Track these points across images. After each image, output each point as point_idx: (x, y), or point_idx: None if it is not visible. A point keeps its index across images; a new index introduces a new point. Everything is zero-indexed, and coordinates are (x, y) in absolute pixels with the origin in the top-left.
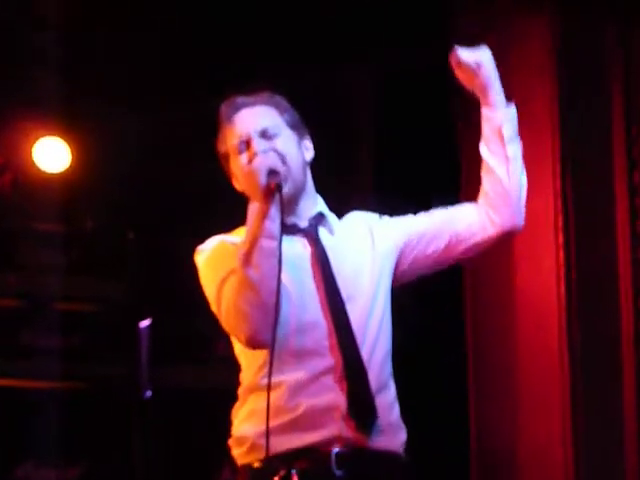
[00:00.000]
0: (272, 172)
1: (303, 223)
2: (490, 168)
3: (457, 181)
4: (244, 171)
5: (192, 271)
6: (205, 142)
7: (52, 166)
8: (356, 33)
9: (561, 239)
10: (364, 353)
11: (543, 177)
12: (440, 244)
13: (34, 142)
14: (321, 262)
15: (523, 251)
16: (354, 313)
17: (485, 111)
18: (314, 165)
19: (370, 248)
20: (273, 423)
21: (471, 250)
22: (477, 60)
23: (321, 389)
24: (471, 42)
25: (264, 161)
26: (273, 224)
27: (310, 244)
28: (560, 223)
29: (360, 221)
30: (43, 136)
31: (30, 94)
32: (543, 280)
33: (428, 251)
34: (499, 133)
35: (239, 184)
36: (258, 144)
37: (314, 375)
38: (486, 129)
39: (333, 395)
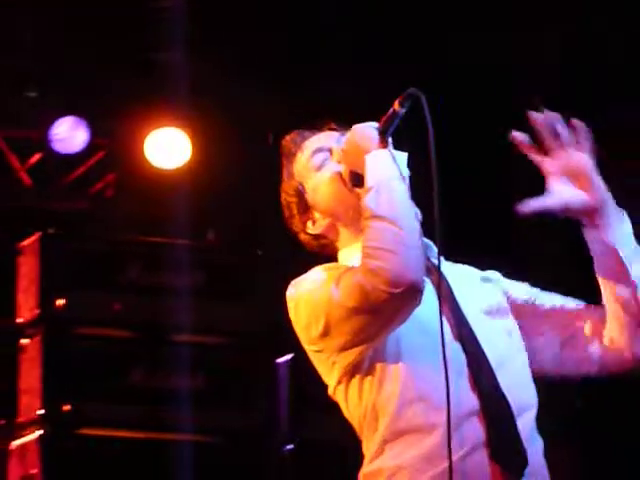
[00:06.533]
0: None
1: None
2: (610, 296)
3: None
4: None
5: None
6: None
7: (167, 162)
8: None
9: None
10: (508, 393)
11: None
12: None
13: (147, 133)
14: (448, 295)
15: None
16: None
17: (591, 233)
18: None
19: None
20: (426, 475)
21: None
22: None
23: (466, 433)
24: None
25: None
26: (396, 168)
27: (430, 275)
28: None
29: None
30: (158, 127)
31: (146, 77)
32: None
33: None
34: (615, 255)
35: (323, 210)
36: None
37: (459, 417)
38: (596, 252)
39: (476, 439)
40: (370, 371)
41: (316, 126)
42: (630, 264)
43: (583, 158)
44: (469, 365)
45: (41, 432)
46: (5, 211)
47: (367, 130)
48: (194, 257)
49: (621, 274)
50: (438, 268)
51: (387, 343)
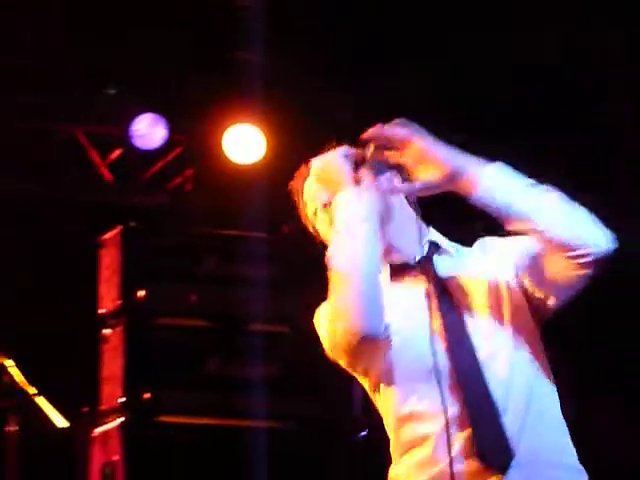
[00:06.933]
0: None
1: (412, 259)
2: (530, 234)
3: None
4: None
5: None
6: None
7: (244, 157)
8: None
9: None
10: (497, 390)
11: None
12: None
13: (224, 129)
14: (438, 295)
15: None
16: (482, 348)
17: (473, 199)
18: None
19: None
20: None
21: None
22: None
23: (453, 439)
24: None
25: (334, 152)
26: (360, 208)
27: (427, 279)
28: None
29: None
30: (235, 123)
31: (223, 75)
32: None
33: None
34: (498, 202)
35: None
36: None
37: (445, 425)
38: (490, 210)
39: (462, 443)
40: (378, 390)
41: (326, 147)
42: (514, 202)
43: (414, 143)
44: (454, 372)
45: (122, 419)
46: (87, 205)
47: (338, 163)
48: (270, 249)
49: (516, 214)
50: (434, 274)
51: (381, 366)
